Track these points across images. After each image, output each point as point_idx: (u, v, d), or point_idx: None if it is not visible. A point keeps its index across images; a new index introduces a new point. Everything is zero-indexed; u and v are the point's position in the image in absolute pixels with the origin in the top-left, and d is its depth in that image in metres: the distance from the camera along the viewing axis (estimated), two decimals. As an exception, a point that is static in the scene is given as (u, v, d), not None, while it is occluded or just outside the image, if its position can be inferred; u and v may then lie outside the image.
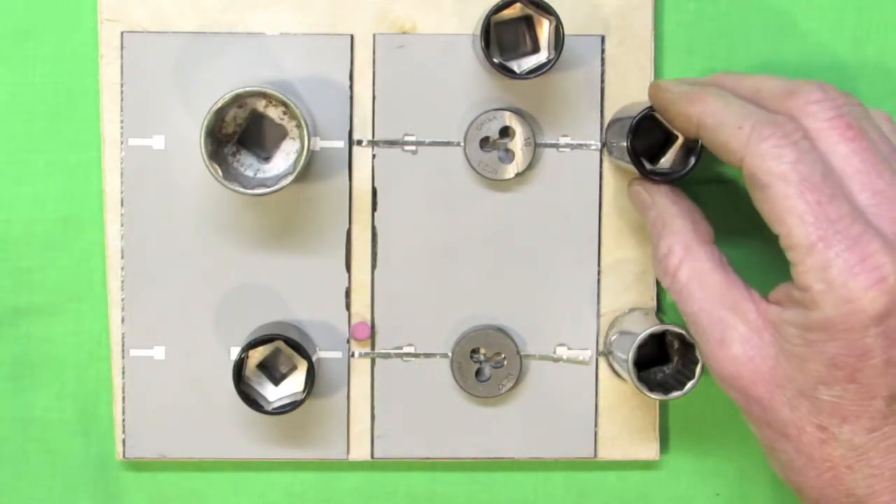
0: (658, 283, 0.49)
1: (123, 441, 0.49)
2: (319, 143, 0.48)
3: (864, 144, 0.40)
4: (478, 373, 0.49)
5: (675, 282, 0.43)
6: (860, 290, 0.38)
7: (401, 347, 0.49)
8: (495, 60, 0.45)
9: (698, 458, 0.51)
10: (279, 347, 0.46)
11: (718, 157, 0.41)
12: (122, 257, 0.48)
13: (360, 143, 0.48)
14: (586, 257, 0.49)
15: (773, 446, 0.42)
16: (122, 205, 0.48)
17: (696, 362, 0.45)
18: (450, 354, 0.49)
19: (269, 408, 0.46)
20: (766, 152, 0.39)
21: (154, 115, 0.48)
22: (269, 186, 0.44)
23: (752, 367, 0.41)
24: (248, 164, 0.46)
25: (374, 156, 0.48)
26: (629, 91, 0.48)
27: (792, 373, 0.40)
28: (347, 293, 0.49)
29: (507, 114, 0.48)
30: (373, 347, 0.49)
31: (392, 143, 0.48)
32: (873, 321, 0.38)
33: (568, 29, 0.45)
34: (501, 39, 0.46)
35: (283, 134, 0.46)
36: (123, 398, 0.49)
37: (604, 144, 0.48)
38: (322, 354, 0.49)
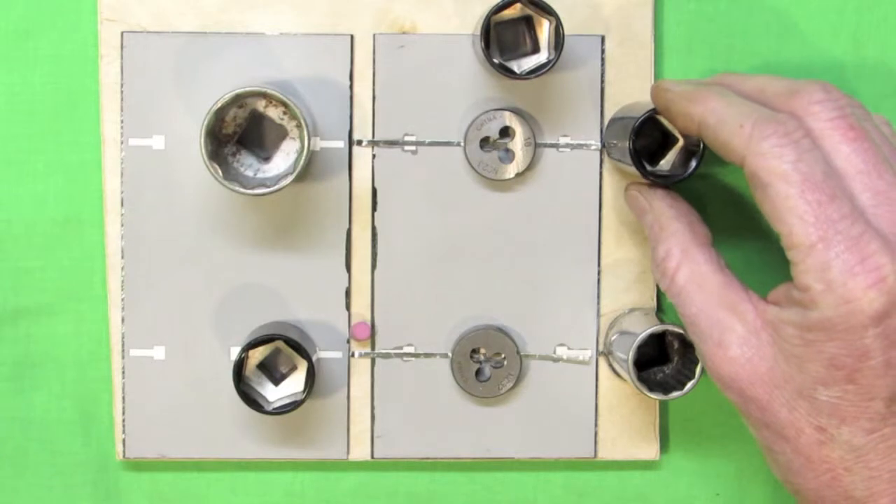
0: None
1: (123, 441, 0.49)
2: (319, 143, 0.48)
3: (865, 145, 0.40)
4: (478, 373, 0.49)
5: (673, 284, 0.43)
6: (860, 291, 0.38)
7: (401, 347, 0.49)
8: (495, 60, 0.45)
9: (698, 458, 0.51)
10: (279, 347, 0.46)
11: (720, 156, 0.41)
12: (122, 257, 0.48)
13: (360, 143, 0.48)
14: (586, 257, 0.49)
15: (771, 447, 0.42)
16: (122, 205, 0.48)
17: (696, 362, 0.45)
18: (450, 354, 0.49)
19: (269, 408, 0.46)
20: (768, 151, 0.39)
21: (154, 115, 0.48)
22: (269, 186, 0.44)
23: (751, 368, 0.41)
24: (248, 164, 0.46)
25: (374, 156, 0.48)
26: (629, 91, 0.48)
27: (791, 373, 0.40)
28: (347, 293, 0.49)
29: (507, 114, 0.48)
30: (373, 347, 0.49)
31: (392, 143, 0.48)
32: (872, 321, 0.38)
33: (568, 29, 0.45)
34: (501, 39, 0.46)
35: (283, 134, 0.46)
36: (123, 398, 0.49)
37: (603, 145, 0.48)
38: (322, 354, 0.49)
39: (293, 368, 0.47)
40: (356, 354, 0.49)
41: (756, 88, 0.42)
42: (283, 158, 0.46)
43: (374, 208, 0.48)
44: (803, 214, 0.39)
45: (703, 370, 0.45)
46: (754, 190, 0.40)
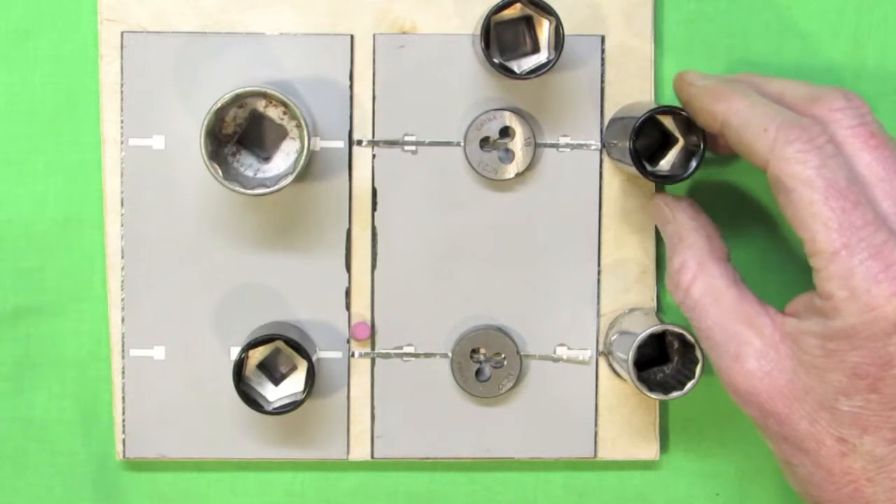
0: (658, 283, 0.49)
1: (123, 441, 0.49)
2: (319, 143, 0.48)
3: (886, 153, 0.40)
4: (478, 373, 0.49)
5: (687, 297, 0.43)
6: (883, 298, 0.38)
7: (401, 347, 0.49)
8: (495, 60, 0.45)
9: (698, 458, 0.51)
10: (279, 347, 0.46)
11: (742, 156, 0.41)
12: (122, 257, 0.48)
13: (360, 143, 0.48)
14: (586, 257, 0.49)
15: (790, 461, 0.42)
16: (122, 205, 0.48)
17: (696, 362, 0.45)
18: (450, 354, 0.49)
19: (269, 408, 0.46)
20: (792, 156, 0.39)
21: (154, 115, 0.48)
22: (269, 186, 0.44)
23: (769, 381, 0.41)
24: (248, 164, 0.46)
25: (374, 156, 0.48)
26: (629, 91, 0.48)
27: (811, 385, 0.40)
28: (347, 293, 0.49)
29: (507, 114, 0.48)
30: (373, 347, 0.49)
31: (392, 143, 0.48)
32: None
33: (568, 29, 0.45)
34: (501, 39, 0.46)
35: (283, 134, 0.46)
36: (123, 398, 0.49)
37: (603, 145, 0.48)
38: (322, 354, 0.49)
39: (293, 368, 0.47)
40: (356, 354, 0.49)
41: (777, 91, 0.42)
42: (283, 158, 0.46)
43: (374, 208, 0.48)
44: (827, 221, 0.38)
45: (703, 370, 0.45)
46: (777, 194, 0.40)
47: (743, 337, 0.41)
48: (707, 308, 0.42)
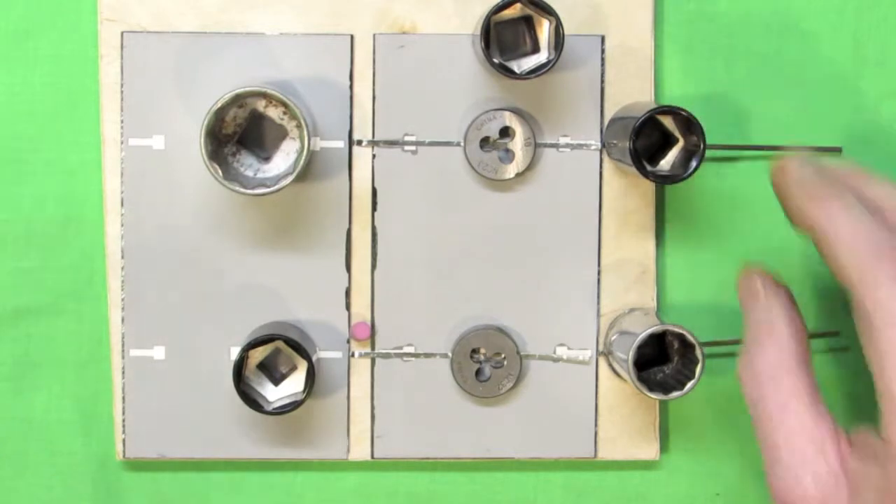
0: (658, 283, 0.49)
1: (123, 441, 0.49)
2: (319, 143, 0.48)
3: None
4: (478, 373, 0.49)
5: (761, 400, 0.41)
6: None
7: (401, 347, 0.49)
8: (495, 60, 0.45)
9: (698, 458, 0.51)
10: (279, 347, 0.46)
11: (827, 265, 0.39)
12: (122, 257, 0.48)
13: (360, 143, 0.48)
14: (586, 257, 0.49)
15: None
16: (122, 205, 0.48)
17: (696, 362, 0.45)
18: (450, 354, 0.49)
19: (269, 408, 0.46)
20: (882, 284, 0.37)
21: (154, 115, 0.48)
22: (269, 186, 0.44)
23: None
24: (248, 164, 0.46)
25: (374, 156, 0.48)
26: (629, 91, 0.48)
27: None
28: (347, 293, 0.49)
29: (507, 114, 0.48)
30: (373, 347, 0.49)
31: (392, 143, 0.48)
32: None
33: (568, 29, 0.45)
34: (501, 39, 0.46)
35: (283, 134, 0.46)
36: (123, 398, 0.49)
37: (603, 145, 0.48)
38: (322, 354, 0.49)
39: (293, 368, 0.47)
40: (356, 354, 0.49)
41: (877, 199, 0.40)
42: (283, 158, 0.46)
43: (374, 208, 0.48)
44: None
45: (703, 370, 0.45)
46: (857, 319, 0.38)
47: (808, 458, 0.40)
48: (779, 416, 0.41)
